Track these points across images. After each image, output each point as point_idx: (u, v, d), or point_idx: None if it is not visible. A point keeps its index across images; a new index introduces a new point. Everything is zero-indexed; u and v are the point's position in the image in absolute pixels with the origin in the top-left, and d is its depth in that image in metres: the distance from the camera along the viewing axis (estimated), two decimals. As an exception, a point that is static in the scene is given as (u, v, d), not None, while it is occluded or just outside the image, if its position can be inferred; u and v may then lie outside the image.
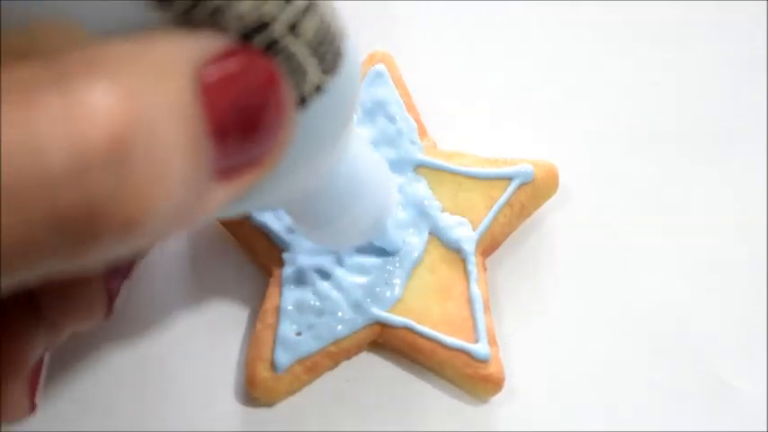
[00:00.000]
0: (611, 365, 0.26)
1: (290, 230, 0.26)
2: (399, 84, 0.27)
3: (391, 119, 0.27)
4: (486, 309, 0.25)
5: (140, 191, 0.12)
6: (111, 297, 0.21)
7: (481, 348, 0.24)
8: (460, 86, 0.29)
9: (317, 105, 0.15)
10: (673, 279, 0.27)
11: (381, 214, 0.22)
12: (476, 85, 0.29)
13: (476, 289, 0.25)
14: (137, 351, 0.25)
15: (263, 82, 0.14)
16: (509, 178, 0.26)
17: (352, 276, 0.25)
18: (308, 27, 0.14)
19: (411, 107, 0.27)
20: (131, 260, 0.22)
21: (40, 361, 0.21)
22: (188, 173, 0.13)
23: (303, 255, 0.25)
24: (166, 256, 0.27)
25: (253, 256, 0.26)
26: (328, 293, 0.25)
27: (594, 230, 0.27)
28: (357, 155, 0.20)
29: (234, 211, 0.17)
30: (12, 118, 0.12)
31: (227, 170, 0.14)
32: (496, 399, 0.25)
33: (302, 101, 0.15)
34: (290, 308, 0.25)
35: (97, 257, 0.13)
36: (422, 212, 0.26)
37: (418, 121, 0.27)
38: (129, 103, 0.12)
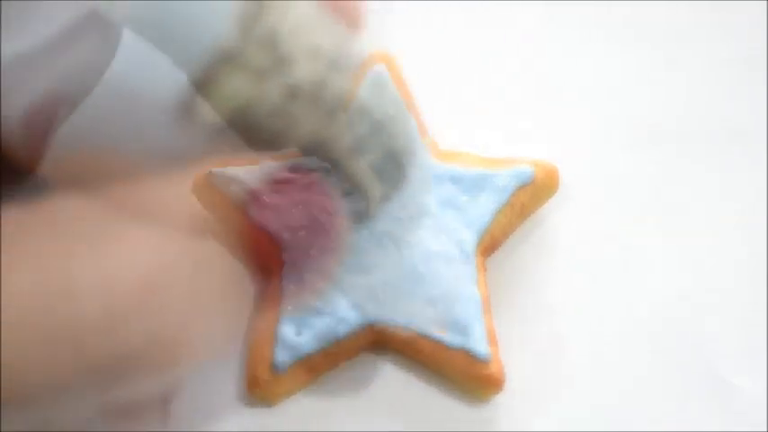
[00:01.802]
0: (611, 365, 0.26)
1: (290, 230, 0.26)
2: (399, 83, 0.27)
3: (391, 118, 0.27)
4: (487, 309, 0.25)
5: (173, 337, 0.13)
6: (165, 400, 0.21)
7: (482, 348, 0.24)
8: (461, 86, 0.29)
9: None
10: (673, 279, 0.27)
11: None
12: (476, 84, 0.29)
13: (476, 289, 0.25)
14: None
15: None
16: (509, 178, 0.26)
17: (353, 276, 0.25)
18: (373, 149, 0.16)
19: (411, 107, 0.27)
20: None
21: None
22: (222, 310, 0.14)
23: (303, 254, 0.25)
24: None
25: (253, 256, 0.26)
26: (328, 293, 0.25)
27: (594, 230, 0.27)
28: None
29: None
30: (48, 264, 0.12)
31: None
32: (496, 399, 0.25)
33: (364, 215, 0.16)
34: (290, 308, 0.25)
35: (131, 393, 0.13)
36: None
37: (418, 120, 0.27)
38: (161, 253, 0.13)
